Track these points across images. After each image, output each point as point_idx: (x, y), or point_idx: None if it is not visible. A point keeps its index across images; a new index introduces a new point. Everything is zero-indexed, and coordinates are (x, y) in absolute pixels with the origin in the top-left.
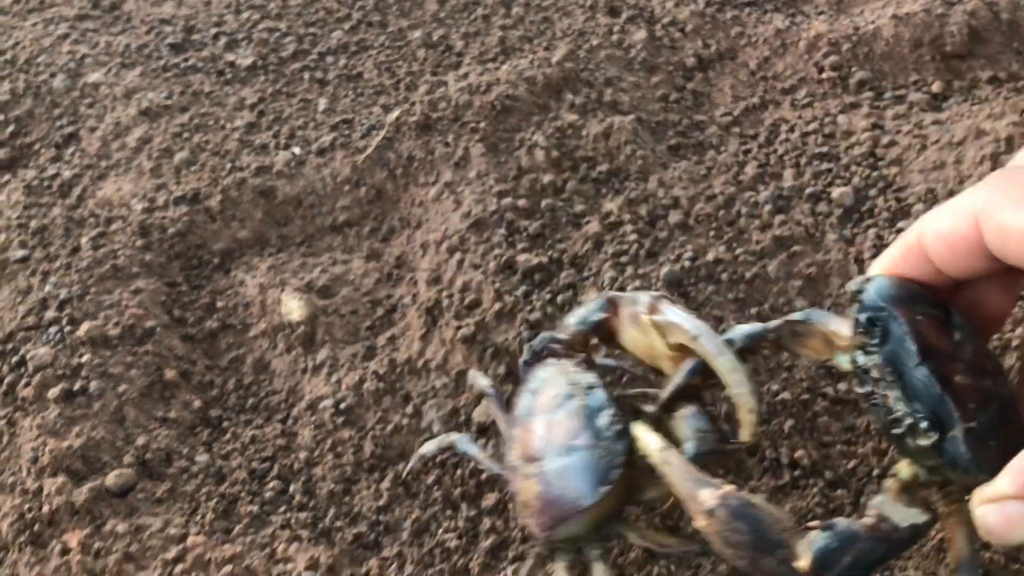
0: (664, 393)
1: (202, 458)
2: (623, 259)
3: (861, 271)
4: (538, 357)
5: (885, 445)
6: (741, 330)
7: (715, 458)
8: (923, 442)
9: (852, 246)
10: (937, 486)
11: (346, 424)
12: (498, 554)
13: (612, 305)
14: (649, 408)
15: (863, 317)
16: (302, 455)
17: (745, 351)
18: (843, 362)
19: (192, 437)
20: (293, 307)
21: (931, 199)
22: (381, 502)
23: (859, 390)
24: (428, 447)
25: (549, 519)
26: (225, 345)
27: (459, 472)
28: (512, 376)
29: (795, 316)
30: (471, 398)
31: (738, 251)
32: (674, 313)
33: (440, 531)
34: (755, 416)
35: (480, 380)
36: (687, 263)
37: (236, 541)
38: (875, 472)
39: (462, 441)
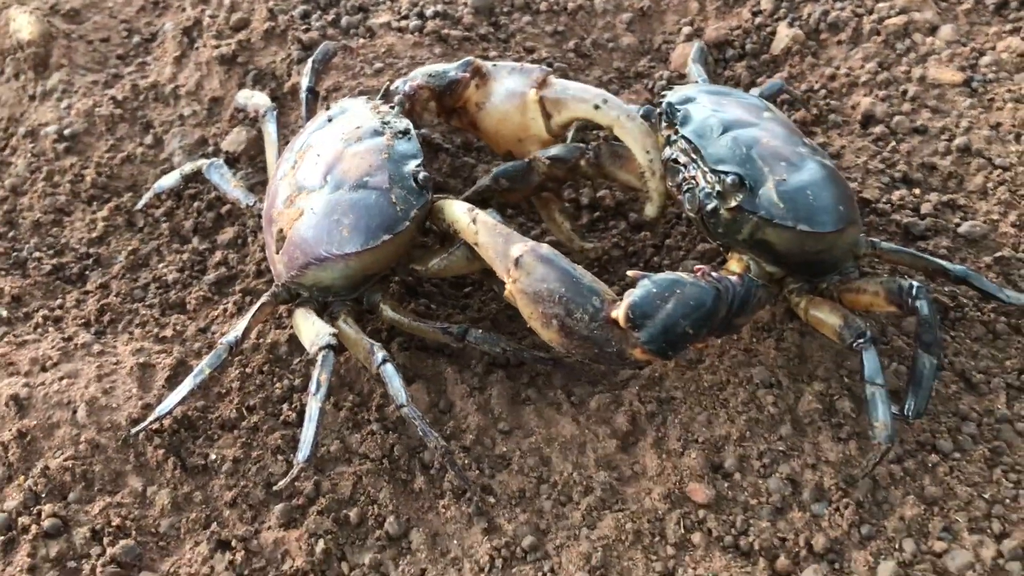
0: (471, 190)
1: None
2: None
3: (702, 9)
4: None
5: None
6: (558, 149)
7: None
8: (733, 202)
9: None
10: (773, 280)
11: (69, 152)
12: (223, 288)
13: (477, 72)
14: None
15: (665, 105)
16: (8, 183)
17: (564, 168)
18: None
19: None
20: (22, 23)
21: None
22: (95, 234)
23: (671, 184)
24: (168, 178)
25: (303, 256)
26: None
27: (196, 204)
28: (278, 102)
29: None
30: (224, 127)
31: None
32: (572, 86)
33: (160, 264)
34: (664, 188)
35: (257, 98)
36: None
37: None
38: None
39: (213, 167)
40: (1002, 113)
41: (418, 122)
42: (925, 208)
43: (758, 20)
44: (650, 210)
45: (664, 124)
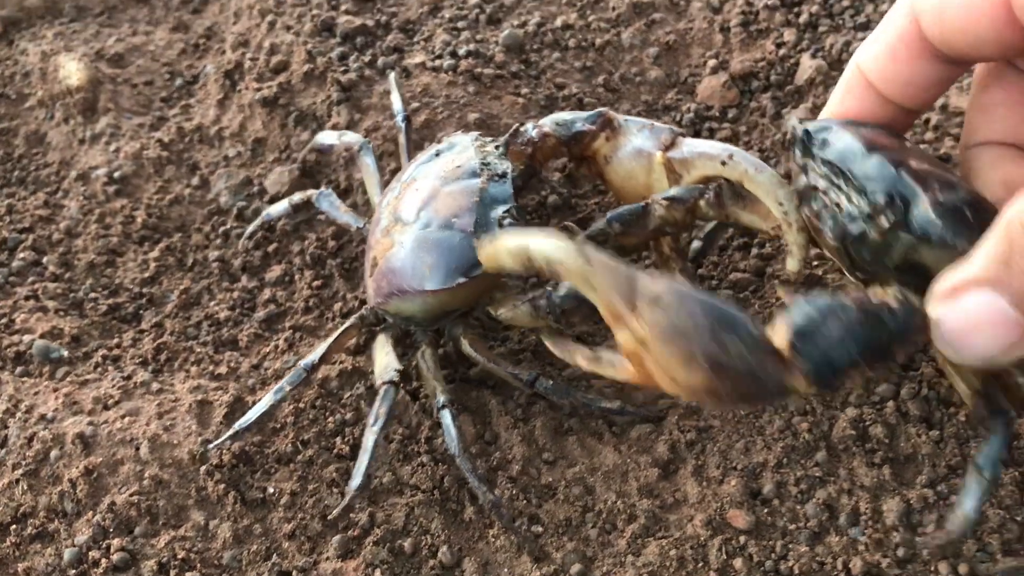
0: (583, 234)
1: None
2: (460, 24)
3: (726, 42)
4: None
5: None
6: (676, 190)
7: None
8: (885, 222)
9: (718, 15)
10: None
11: (119, 194)
12: (273, 325)
13: (606, 124)
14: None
15: (801, 131)
16: (64, 225)
17: (683, 210)
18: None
19: None
20: (71, 70)
21: None
22: (147, 274)
23: (807, 214)
24: (277, 207)
25: (389, 286)
26: None
27: (241, 243)
28: None
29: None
30: (268, 167)
31: (591, 17)
32: (698, 144)
33: (212, 303)
34: (805, 238)
35: (348, 136)
36: (532, 28)
37: None
38: None
39: (323, 196)
40: None
41: (540, 167)
42: None
43: (782, 52)
44: (792, 264)
45: (799, 152)
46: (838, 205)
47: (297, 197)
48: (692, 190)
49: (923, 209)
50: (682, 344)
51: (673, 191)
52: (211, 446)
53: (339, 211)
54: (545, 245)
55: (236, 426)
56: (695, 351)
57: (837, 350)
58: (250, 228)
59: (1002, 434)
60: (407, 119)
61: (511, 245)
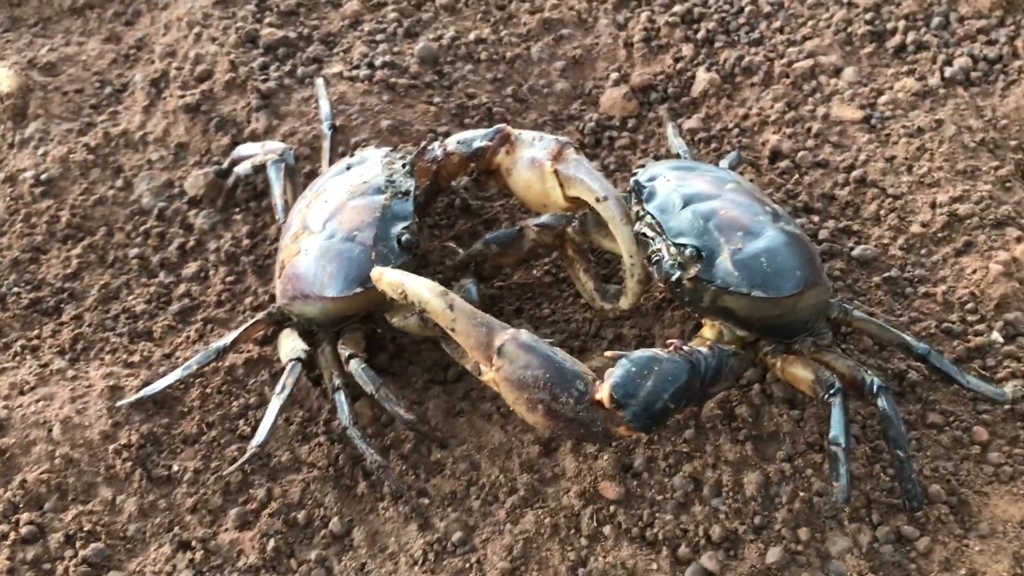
0: (465, 253)
1: None
2: (379, 37)
3: (629, 56)
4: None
5: None
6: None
7: None
8: (692, 272)
9: (623, 31)
10: (747, 344)
11: (45, 195)
12: (186, 318)
13: (504, 140)
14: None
15: (633, 183)
16: None
17: (552, 235)
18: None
19: None
20: (2, 77)
21: None
22: (69, 270)
23: (643, 257)
24: (243, 166)
25: (293, 290)
26: None
27: (164, 240)
28: (236, 147)
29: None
30: (187, 171)
31: (503, 32)
32: (583, 170)
33: (130, 297)
34: (641, 288)
35: (271, 144)
36: (447, 41)
37: None
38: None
39: (276, 164)
40: (896, 147)
41: (445, 184)
42: (823, 234)
43: (679, 66)
44: (623, 303)
45: (634, 200)
46: (660, 251)
47: (259, 159)
48: (560, 218)
49: (723, 261)
50: (524, 392)
51: (543, 218)
52: (119, 403)
53: (278, 188)
54: (419, 288)
55: (143, 392)
56: (535, 399)
57: (653, 402)
58: (224, 164)
59: (839, 403)
60: (333, 127)
61: (392, 280)
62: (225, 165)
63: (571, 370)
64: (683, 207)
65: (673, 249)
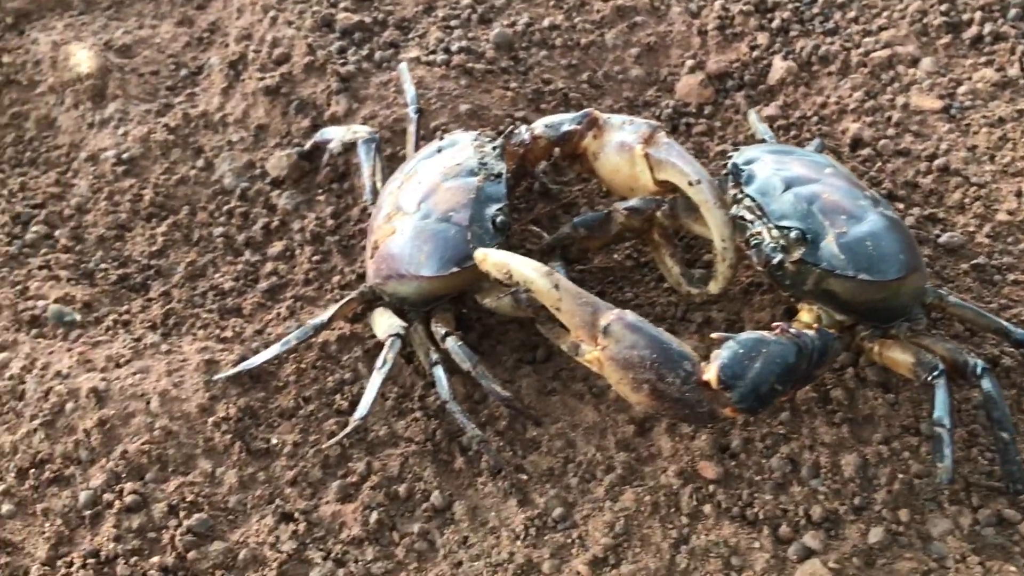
0: (547, 239)
1: None
2: (453, 22)
3: (703, 44)
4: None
5: None
6: (635, 201)
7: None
8: (796, 255)
9: (696, 19)
10: (844, 329)
11: (127, 174)
12: (275, 296)
13: (592, 124)
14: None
15: (731, 165)
16: (74, 202)
17: (641, 219)
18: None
19: None
20: (82, 58)
21: None
22: (155, 247)
23: (739, 240)
24: (334, 143)
25: (387, 269)
26: (8, 101)
27: (248, 220)
28: (316, 129)
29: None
30: (268, 152)
31: (576, 19)
32: (675, 153)
33: (216, 274)
34: (732, 272)
35: (359, 130)
36: (521, 27)
37: None
38: None
39: (366, 143)
40: (978, 136)
41: (531, 167)
42: (908, 221)
43: (755, 54)
44: (713, 287)
45: (731, 183)
46: (760, 235)
47: (348, 137)
48: (649, 202)
49: (828, 244)
50: (630, 372)
51: (633, 202)
52: (216, 377)
53: (368, 168)
54: (525, 268)
55: (241, 366)
56: (640, 379)
57: (760, 384)
58: (307, 146)
59: (943, 385)
60: (419, 111)
61: (497, 260)
62: (307, 147)
63: (678, 351)
64: (784, 190)
65: (775, 232)
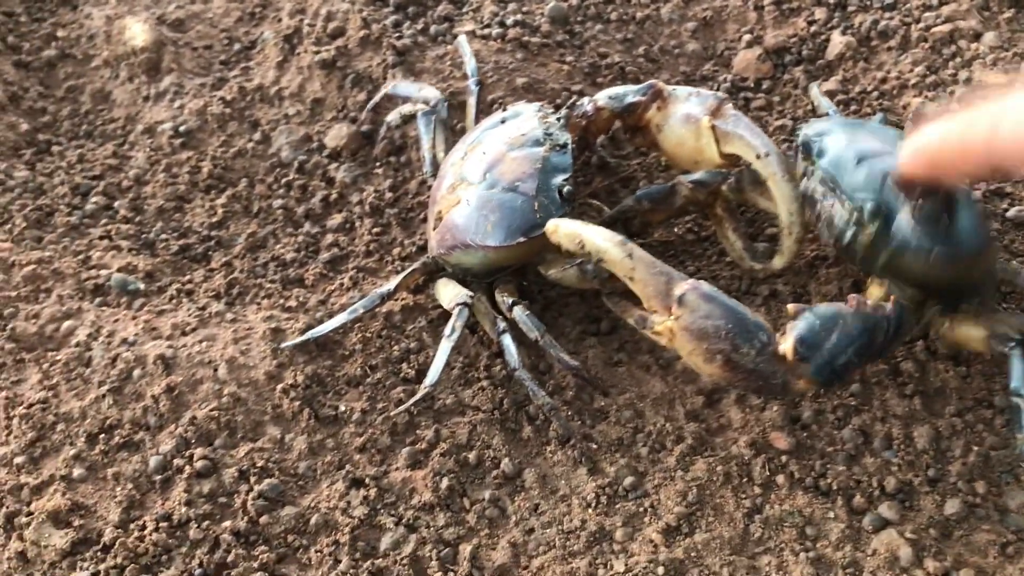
0: (609, 211)
1: (21, 174)
2: None
3: (760, 19)
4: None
5: None
6: (700, 174)
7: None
8: (871, 229)
9: None
10: (915, 303)
11: (185, 147)
12: (337, 266)
13: (656, 95)
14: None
15: (802, 137)
16: (132, 174)
17: (706, 192)
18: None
19: (15, 157)
20: (137, 31)
21: None
22: (215, 219)
23: (809, 215)
24: (392, 114)
25: (452, 239)
26: (64, 75)
27: (306, 192)
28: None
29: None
30: (327, 124)
31: None
32: (743, 125)
33: (277, 246)
34: (798, 247)
35: (427, 91)
36: (575, 1)
37: (47, 248)
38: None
39: (426, 115)
40: None
41: (593, 140)
42: (975, 196)
43: (813, 28)
44: (778, 262)
45: (801, 156)
46: (832, 211)
47: (408, 108)
48: (715, 175)
49: (904, 219)
50: (704, 343)
51: (698, 175)
52: (284, 345)
53: (427, 141)
54: (597, 238)
55: (308, 334)
56: (714, 350)
57: (837, 356)
58: (371, 103)
59: (1019, 356)
60: (480, 83)
61: (569, 230)
62: (377, 98)
63: (753, 321)
64: (857, 164)
65: (849, 205)
